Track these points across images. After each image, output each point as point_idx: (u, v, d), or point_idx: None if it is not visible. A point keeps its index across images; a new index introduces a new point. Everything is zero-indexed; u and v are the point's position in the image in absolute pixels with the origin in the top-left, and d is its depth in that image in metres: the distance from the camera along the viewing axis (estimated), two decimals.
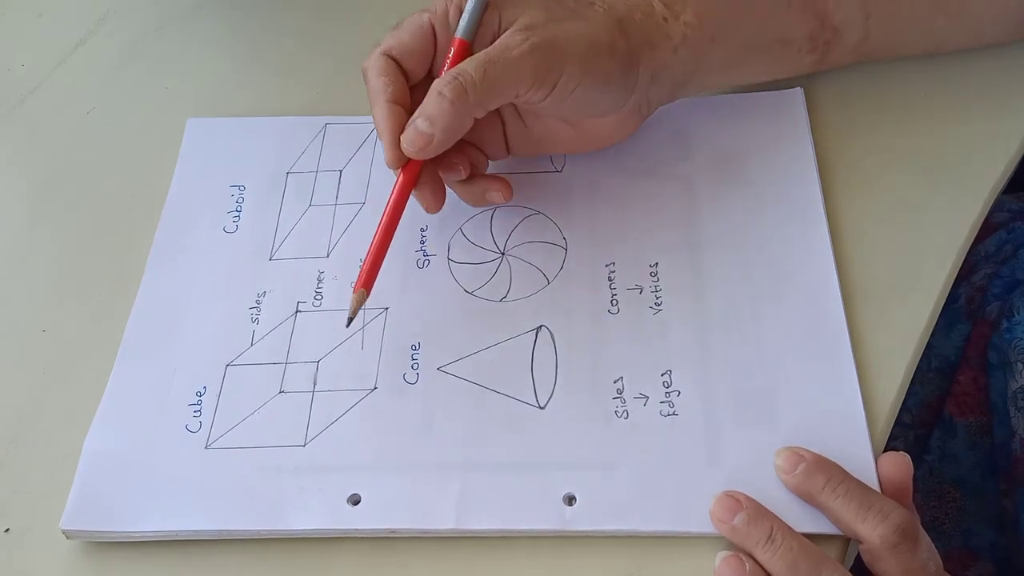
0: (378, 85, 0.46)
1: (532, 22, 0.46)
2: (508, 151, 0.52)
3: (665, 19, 0.48)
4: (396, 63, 0.47)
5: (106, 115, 0.60)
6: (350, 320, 0.46)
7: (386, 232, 0.47)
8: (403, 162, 0.46)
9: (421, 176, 0.47)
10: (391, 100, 0.46)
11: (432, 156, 0.46)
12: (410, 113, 0.46)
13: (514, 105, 0.49)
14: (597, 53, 0.46)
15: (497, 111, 0.49)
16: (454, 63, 0.46)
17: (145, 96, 0.61)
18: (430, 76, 0.48)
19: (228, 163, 0.56)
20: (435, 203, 0.49)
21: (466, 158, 0.49)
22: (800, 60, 0.52)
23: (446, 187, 0.49)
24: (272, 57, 0.62)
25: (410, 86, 0.48)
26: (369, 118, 0.57)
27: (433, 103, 0.44)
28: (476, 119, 0.46)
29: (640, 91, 0.49)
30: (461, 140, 0.47)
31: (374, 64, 0.47)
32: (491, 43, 0.46)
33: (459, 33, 0.47)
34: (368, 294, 0.46)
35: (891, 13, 0.52)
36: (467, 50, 0.47)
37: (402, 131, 0.45)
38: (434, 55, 0.48)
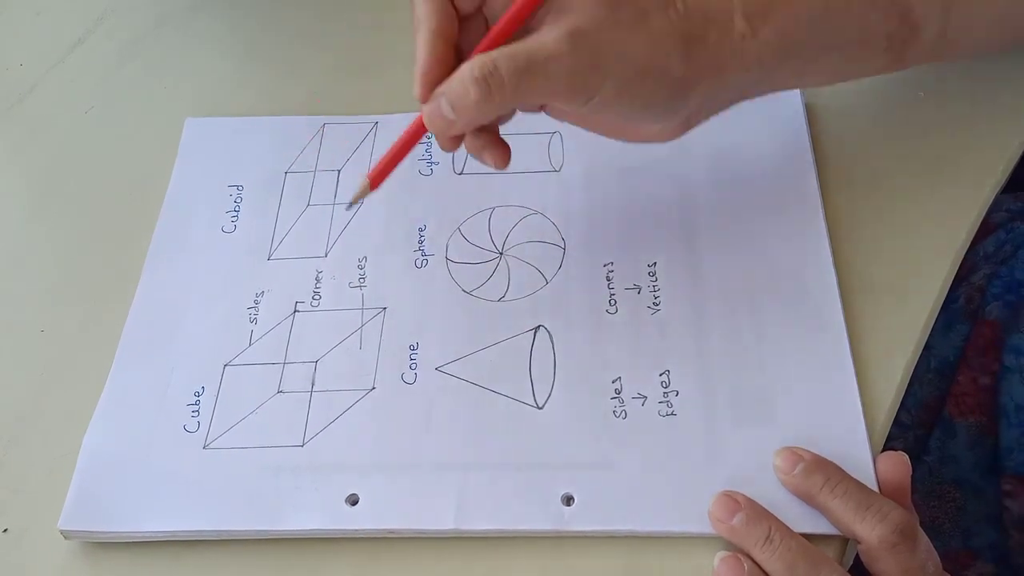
0: (423, 12, 0.42)
1: (587, 24, 0.41)
2: (540, 109, 0.48)
3: (743, 36, 0.44)
4: None
5: (104, 114, 0.60)
6: (350, 204, 0.46)
7: (407, 141, 0.44)
8: (428, 98, 0.42)
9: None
10: (435, 31, 0.42)
11: (452, 140, 0.44)
12: (455, 48, 0.43)
13: None
14: (643, 78, 0.42)
15: None
16: (502, 29, 0.42)
17: (143, 95, 0.61)
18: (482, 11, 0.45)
19: (226, 163, 0.56)
20: (450, 144, 0.45)
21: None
22: (875, 60, 0.48)
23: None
24: (270, 57, 0.62)
25: (461, 16, 0.44)
26: (367, 118, 0.57)
27: (459, 95, 0.41)
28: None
29: (689, 112, 0.45)
30: None
31: None
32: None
33: None
34: (372, 188, 0.45)
35: (971, 8, 0.49)
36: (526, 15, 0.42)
37: (439, 67, 0.42)
38: None
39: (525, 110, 0.48)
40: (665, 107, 0.44)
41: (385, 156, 0.44)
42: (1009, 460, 0.54)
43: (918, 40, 0.48)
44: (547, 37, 0.41)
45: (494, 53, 0.41)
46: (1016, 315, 0.55)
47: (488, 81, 0.40)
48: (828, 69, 0.48)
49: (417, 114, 0.43)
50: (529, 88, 0.41)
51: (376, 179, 0.45)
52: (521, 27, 0.42)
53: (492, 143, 0.46)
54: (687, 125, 0.47)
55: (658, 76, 0.42)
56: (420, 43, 0.42)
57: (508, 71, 0.40)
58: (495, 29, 0.42)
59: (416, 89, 0.42)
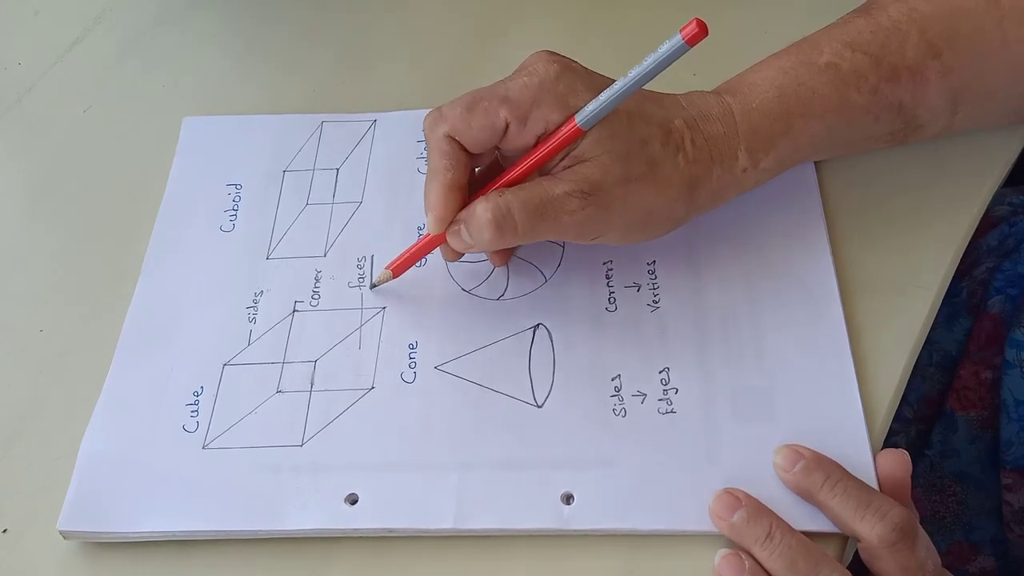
0: (438, 167, 0.45)
1: (600, 181, 0.43)
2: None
3: (744, 169, 0.47)
4: (459, 145, 0.45)
5: (103, 113, 0.60)
6: (373, 286, 0.50)
7: (428, 244, 0.48)
8: (443, 233, 0.45)
9: None
10: (449, 185, 0.44)
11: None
12: (467, 189, 0.45)
13: None
14: (647, 222, 0.46)
15: None
16: (527, 169, 0.45)
17: (142, 94, 0.61)
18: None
19: (224, 161, 0.56)
20: (453, 255, 0.48)
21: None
22: (874, 146, 0.51)
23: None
24: (268, 55, 0.62)
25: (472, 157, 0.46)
26: (365, 115, 0.57)
27: (476, 228, 0.44)
28: None
29: (686, 222, 0.48)
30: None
31: (435, 143, 0.45)
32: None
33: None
34: (394, 277, 0.49)
35: (981, 109, 0.50)
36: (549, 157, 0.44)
37: (452, 211, 0.45)
38: (498, 145, 0.46)
39: None
40: (663, 231, 0.47)
41: (407, 252, 0.49)
42: (1009, 454, 0.54)
43: (922, 132, 0.50)
44: (560, 189, 0.43)
45: (508, 195, 0.43)
46: (1018, 309, 0.55)
47: (502, 224, 0.43)
48: (826, 156, 0.52)
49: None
50: (539, 232, 0.44)
51: (398, 271, 0.49)
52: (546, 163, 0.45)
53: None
54: (678, 224, 0.49)
55: (659, 219, 0.46)
56: (434, 192, 0.45)
57: (521, 217, 0.43)
58: (513, 173, 0.45)
59: (429, 225, 0.45)
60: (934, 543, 0.42)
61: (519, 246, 0.50)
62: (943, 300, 0.48)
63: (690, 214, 0.47)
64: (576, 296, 0.49)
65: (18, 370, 0.50)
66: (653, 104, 0.46)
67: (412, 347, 0.48)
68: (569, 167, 0.44)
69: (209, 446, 0.46)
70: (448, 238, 0.45)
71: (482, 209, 0.43)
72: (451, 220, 0.45)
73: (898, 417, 0.46)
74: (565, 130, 0.43)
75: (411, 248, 0.49)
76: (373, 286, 0.50)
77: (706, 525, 0.42)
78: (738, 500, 0.42)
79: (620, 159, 0.44)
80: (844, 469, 0.42)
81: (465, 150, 0.45)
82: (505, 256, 0.50)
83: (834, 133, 0.48)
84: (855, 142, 0.50)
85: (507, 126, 0.44)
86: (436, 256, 0.51)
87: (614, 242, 0.46)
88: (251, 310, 0.50)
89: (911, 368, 0.46)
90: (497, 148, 0.46)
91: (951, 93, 0.48)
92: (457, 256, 0.48)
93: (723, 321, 0.47)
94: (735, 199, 0.50)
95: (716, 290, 0.48)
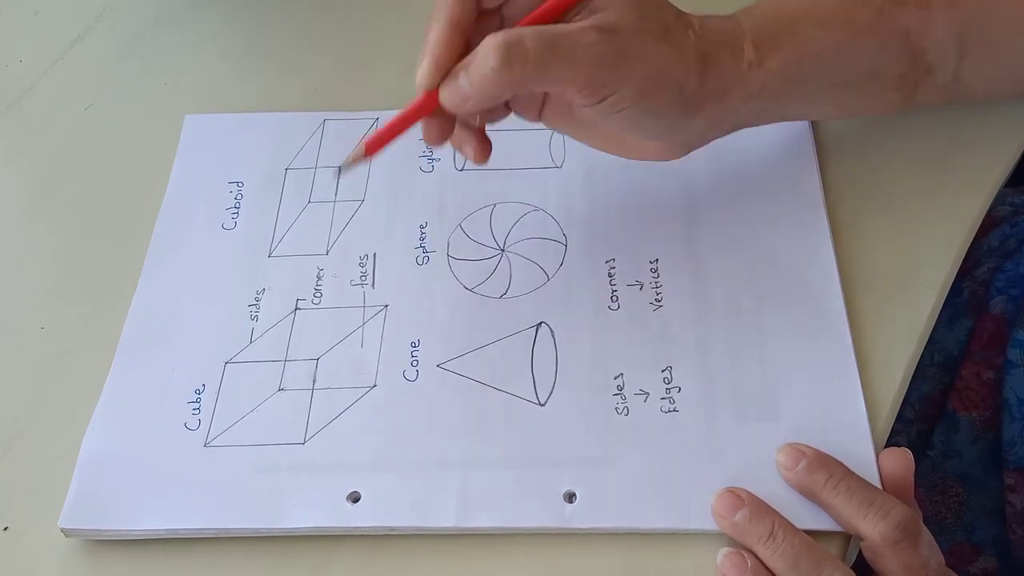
0: (443, 3, 0.42)
1: (617, 24, 0.41)
2: (540, 117, 0.48)
3: (750, 64, 0.45)
4: None
5: (104, 112, 0.60)
6: (338, 170, 0.44)
7: (408, 116, 0.43)
8: (435, 85, 0.42)
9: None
10: (454, 22, 0.41)
11: (466, 115, 0.44)
12: (470, 39, 0.42)
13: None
14: (660, 87, 0.43)
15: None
16: (543, 11, 0.42)
17: (143, 92, 0.61)
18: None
19: (226, 159, 0.56)
20: (437, 137, 0.44)
21: (484, 139, 0.46)
22: (885, 97, 0.49)
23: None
24: (270, 52, 0.62)
25: (480, 11, 0.43)
26: (367, 113, 0.57)
27: (478, 63, 0.40)
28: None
29: (692, 134, 0.46)
30: None
31: None
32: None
33: None
34: (367, 155, 0.44)
35: (987, 56, 0.50)
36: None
37: (450, 56, 0.41)
38: None
39: (524, 114, 0.48)
40: (672, 123, 0.44)
41: (384, 127, 0.43)
42: (1011, 454, 0.54)
43: (931, 82, 0.49)
44: (576, 26, 0.41)
45: (521, 28, 0.40)
46: (1021, 309, 0.55)
47: (512, 51, 0.39)
48: (836, 103, 0.49)
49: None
50: (551, 68, 0.40)
51: (371, 147, 0.43)
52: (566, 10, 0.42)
53: (476, 137, 0.46)
54: (686, 148, 0.48)
55: (674, 89, 0.43)
56: (435, 29, 0.41)
57: (534, 45, 0.39)
58: (526, 19, 0.42)
59: (423, 73, 0.41)
60: None
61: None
62: (944, 300, 0.48)
63: (700, 102, 0.44)
64: (578, 294, 0.49)
65: (19, 368, 0.50)
66: None
67: (414, 345, 0.48)
68: (585, 17, 0.41)
69: (211, 444, 0.45)
70: (441, 91, 0.41)
71: (490, 39, 0.39)
72: (448, 66, 0.41)
73: (899, 417, 0.46)
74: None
75: (390, 121, 0.43)
76: (340, 168, 0.44)
77: (708, 524, 0.42)
78: (740, 499, 0.41)
79: (635, 9, 0.42)
80: (847, 468, 0.42)
81: None
82: (446, 133, 0.44)
83: (840, 53, 0.46)
84: (864, 81, 0.48)
85: None
86: (438, 253, 0.51)
87: (628, 103, 0.42)
88: (253, 308, 0.50)
89: (914, 366, 0.46)
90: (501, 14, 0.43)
91: (958, 28, 0.48)
92: (441, 138, 0.44)
93: (726, 320, 0.47)
94: (738, 198, 0.50)
95: (718, 289, 0.48)
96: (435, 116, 0.43)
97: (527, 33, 0.39)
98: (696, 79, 0.43)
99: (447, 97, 0.41)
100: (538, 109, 0.47)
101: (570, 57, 0.40)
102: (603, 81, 0.41)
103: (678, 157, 0.48)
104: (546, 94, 0.46)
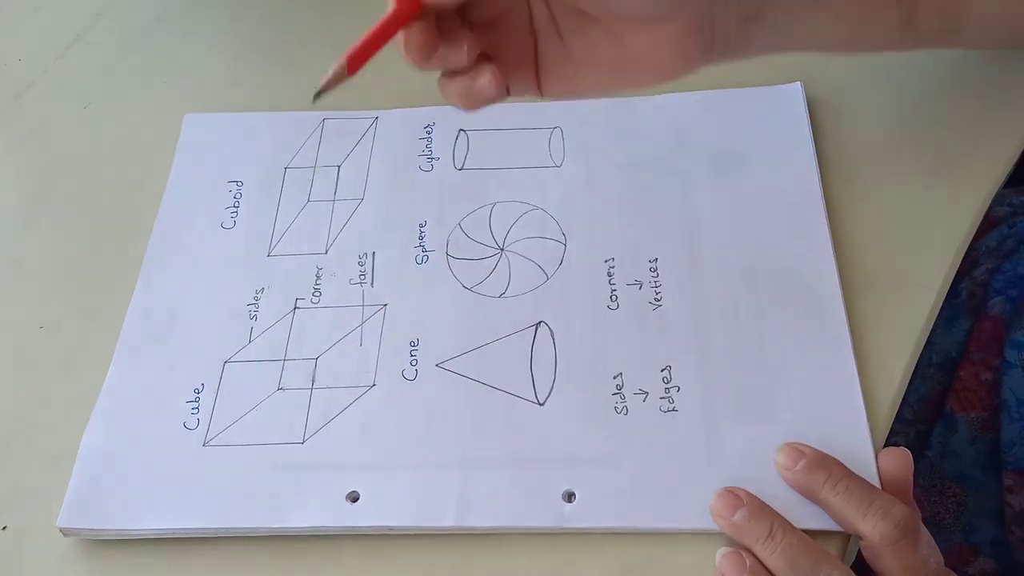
0: None
1: None
2: (539, 84, 0.44)
3: None
4: None
5: (103, 110, 0.60)
6: (318, 94, 0.40)
7: (388, 23, 0.40)
8: None
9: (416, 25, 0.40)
10: None
11: (448, 5, 0.40)
12: None
13: (552, 16, 0.42)
14: None
15: (530, 27, 0.43)
16: None
17: (142, 91, 0.61)
18: None
19: (226, 159, 0.56)
20: (419, 53, 0.40)
21: (474, 43, 0.41)
22: (887, 16, 0.47)
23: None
24: (270, 52, 0.62)
25: None
26: (367, 113, 0.57)
27: None
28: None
29: (697, 17, 0.42)
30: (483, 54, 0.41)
31: None
32: None
33: None
34: (350, 72, 0.40)
35: None
36: None
37: None
38: None
39: (522, 84, 0.44)
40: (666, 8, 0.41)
41: (363, 39, 0.40)
42: (1010, 455, 0.54)
43: (927, 4, 0.47)
44: None
45: None
46: (1019, 310, 0.55)
47: None
48: (841, 22, 0.46)
49: None
50: None
51: (354, 61, 0.40)
52: None
53: (477, 71, 0.41)
54: (701, 40, 0.43)
55: None
56: None
57: None
58: None
59: None
60: None
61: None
62: (943, 301, 0.48)
63: None
64: (578, 294, 0.49)
65: (18, 367, 0.50)
66: None
67: (413, 344, 0.48)
68: None
69: (210, 443, 0.45)
70: None
71: None
72: None
73: (898, 418, 0.46)
74: None
75: (370, 31, 0.40)
76: (319, 92, 0.40)
77: (707, 523, 0.42)
78: (739, 499, 0.41)
79: None
80: (846, 467, 0.42)
81: None
82: (433, 50, 0.40)
83: None
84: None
85: None
86: (437, 252, 0.51)
87: None
88: (252, 307, 0.50)
89: (913, 367, 0.46)
90: None
91: None
92: (422, 54, 0.40)
93: (725, 319, 0.47)
94: (737, 198, 0.50)
95: (718, 288, 0.48)
96: (415, 28, 0.40)
97: None
98: None
99: None
100: (533, 70, 0.44)
101: None
102: None
103: (694, 65, 0.44)
104: (536, 45, 0.43)
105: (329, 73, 0.40)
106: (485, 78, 0.41)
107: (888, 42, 0.48)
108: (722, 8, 0.43)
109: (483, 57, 0.42)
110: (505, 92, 0.42)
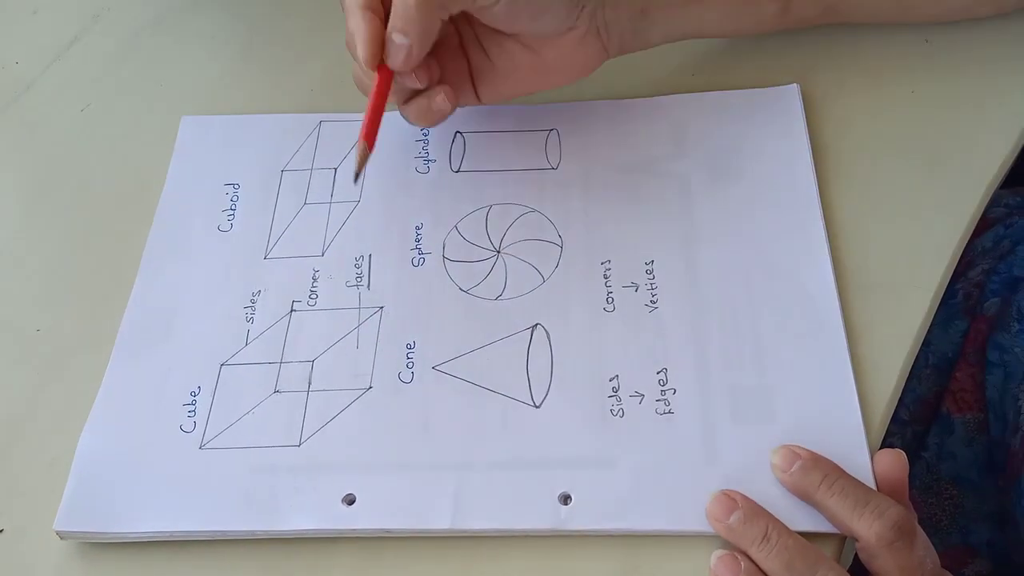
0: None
1: None
2: (477, 95, 0.52)
3: None
4: None
5: (101, 112, 0.60)
6: (356, 175, 0.47)
7: (377, 98, 0.48)
8: (378, 62, 0.47)
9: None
10: (364, 7, 0.46)
11: (415, 64, 0.47)
12: (384, 20, 0.47)
13: (477, 38, 0.51)
14: None
15: (462, 48, 0.51)
16: None
17: (140, 93, 0.61)
18: None
19: (222, 161, 0.56)
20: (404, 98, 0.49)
21: (429, 70, 0.49)
22: (763, 8, 0.53)
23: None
24: (266, 54, 0.62)
25: None
26: (362, 115, 0.57)
27: (399, 14, 0.45)
28: (442, 24, 0.47)
29: (591, 5, 0.49)
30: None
31: None
32: None
33: None
34: (371, 148, 0.47)
35: None
36: None
37: (376, 32, 0.46)
38: None
39: (463, 99, 0.51)
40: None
41: (367, 117, 0.47)
42: (1000, 454, 0.54)
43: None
44: None
45: None
46: (1004, 311, 0.55)
47: None
48: (722, 15, 0.53)
49: None
50: None
51: (369, 137, 0.48)
52: None
53: (431, 92, 0.49)
54: (599, 39, 0.51)
55: None
56: (353, 22, 0.47)
57: None
58: None
59: (363, 56, 0.46)
60: None
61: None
62: (939, 302, 0.48)
63: None
64: (574, 296, 0.49)
65: (15, 370, 0.50)
66: None
67: (410, 347, 0.48)
68: None
69: (206, 446, 0.45)
70: (387, 51, 0.46)
71: None
72: (379, 40, 0.46)
73: (894, 419, 0.46)
74: None
75: (367, 110, 0.48)
76: (358, 173, 0.47)
77: (704, 526, 0.42)
78: (734, 502, 0.41)
79: None
80: (841, 469, 0.42)
81: None
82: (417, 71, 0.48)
83: None
84: None
85: None
86: (434, 255, 0.51)
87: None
88: (249, 310, 0.50)
89: (909, 368, 0.46)
90: None
91: None
92: (410, 94, 0.49)
93: (721, 321, 0.47)
94: (733, 200, 0.50)
95: (714, 291, 0.48)
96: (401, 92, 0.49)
97: None
98: None
99: (393, 58, 0.46)
100: (471, 85, 0.52)
101: None
102: None
103: (599, 60, 0.52)
104: (469, 64, 0.51)
105: (356, 156, 0.48)
106: (440, 97, 0.49)
107: (770, 28, 0.55)
108: (611, 12, 0.50)
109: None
110: (456, 106, 0.50)
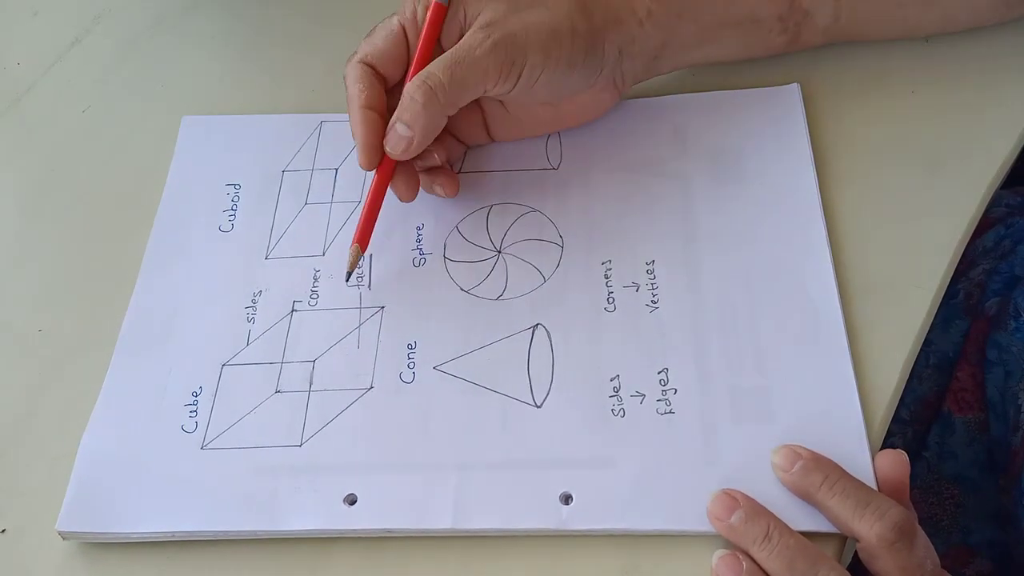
0: (354, 92, 0.48)
1: (493, 18, 0.47)
2: (490, 136, 0.54)
3: None
4: (372, 68, 0.49)
5: (101, 113, 0.60)
6: (348, 275, 0.49)
7: (374, 197, 0.49)
8: (377, 164, 0.49)
9: (396, 169, 0.50)
10: (364, 106, 0.48)
11: (413, 156, 0.48)
12: (386, 115, 0.48)
13: None
14: (558, 40, 0.47)
15: (476, 101, 0.50)
16: (420, 57, 0.49)
17: (140, 94, 0.61)
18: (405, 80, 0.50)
19: (223, 161, 0.56)
20: (408, 193, 0.50)
21: (442, 147, 0.51)
22: (772, 40, 0.53)
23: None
24: (267, 55, 0.62)
25: (388, 88, 0.50)
26: None
27: (407, 107, 0.47)
28: (451, 115, 0.48)
29: (609, 67, 0.50)
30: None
31: (351, 72, 0.49)
32: (457, 40, 0.48)
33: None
34: (364, 250, 0.49)
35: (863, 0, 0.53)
36: (432, 41, 0.49)
37: (374, 135, 0.48)
38: (407, 57, 0.50)
39: (475, 140, 0.54)
40: (585, 62, 0.49)
41: (362, 217, 0.49)
42: (1001, 454, 0.54)
43: (812, 24, 0.53)
44: (465, 40, 0.47)
45: (427, 66, 0.47)
46: (1002, 311, 0.55)
47: (428, 83, 0.46)
48: (729, 44, 0.53)
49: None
50: (464, 77, 0.46)
51: (363, 240, 0.49)
52: (436, 44, 0.49)
53: (443, 174, 0.52)
54: (615, 87, 0.52)
55: (568, 35, 0.48)
56: (353, 119, 0.48)
57: (441, 70, 0.46)
58: (416, 56, 0.49)
59: (360, 158, 0.48)
60: None
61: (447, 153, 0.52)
62: (940, 302, 0.48)
63: (598, 33, 0.49)
64: (575, 296, 0.49)
65: (17, 370, 0.50)
66: None
67: (411, 347, 0.48)
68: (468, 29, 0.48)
69: (208, 446, 0.46)
70: (387, 145, 0.48)
71: (408, 85, 0.47)
72: (377, 143, 0.48)
73: (895, 419, 0.46)
74: (431, 10, 0.48)
75: (363, 210, 0.49)
76: (349, 274, 0.50)
77: (705, 525, 0.42)
78: (736, 501, 0.42)
79: (502, 1, 0.48)
80: (842, 469, 0.42)
81: (379, 74, 0.49)
82: (415, 189, 0.50)
83: None
84: (748, 22, 0.52)
85: (402, 28, 0.49)
86: (435, 255, 0.51)
87: (540, 67, 0.47)
88: (250, 310, 0.50)
89: (910, 368, 0.46)
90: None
91: None
92: (410, 192, 0.50)
93: (722, 321, 0.47)
94: (734, 200, 0.50)
95: (715, 290, 0.48)
96: (398, 177, 0.50)
97: (431, 66, 0.47)
98: (583, 20, 0.48)
99: (393, 147, 0.48)
100: (484, 130, 0.53)
101: (472, 61, 0.46)
102: (509, 63, 0.47)
103: (614, 101, 0.53)
104: (483, 113, 0.52)
105: (349, 259, 0.49)
106: (438, 189, 0.51)
107: (779, 53, 0.55)
108: (628, 64, 0.51)
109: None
110: (454, 195, 0.52)
